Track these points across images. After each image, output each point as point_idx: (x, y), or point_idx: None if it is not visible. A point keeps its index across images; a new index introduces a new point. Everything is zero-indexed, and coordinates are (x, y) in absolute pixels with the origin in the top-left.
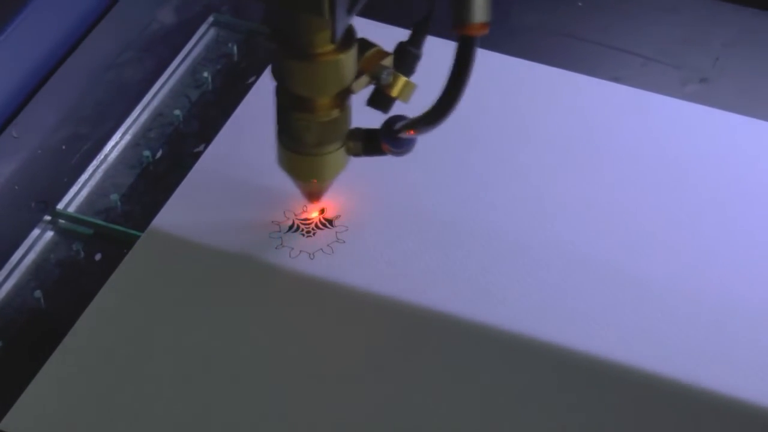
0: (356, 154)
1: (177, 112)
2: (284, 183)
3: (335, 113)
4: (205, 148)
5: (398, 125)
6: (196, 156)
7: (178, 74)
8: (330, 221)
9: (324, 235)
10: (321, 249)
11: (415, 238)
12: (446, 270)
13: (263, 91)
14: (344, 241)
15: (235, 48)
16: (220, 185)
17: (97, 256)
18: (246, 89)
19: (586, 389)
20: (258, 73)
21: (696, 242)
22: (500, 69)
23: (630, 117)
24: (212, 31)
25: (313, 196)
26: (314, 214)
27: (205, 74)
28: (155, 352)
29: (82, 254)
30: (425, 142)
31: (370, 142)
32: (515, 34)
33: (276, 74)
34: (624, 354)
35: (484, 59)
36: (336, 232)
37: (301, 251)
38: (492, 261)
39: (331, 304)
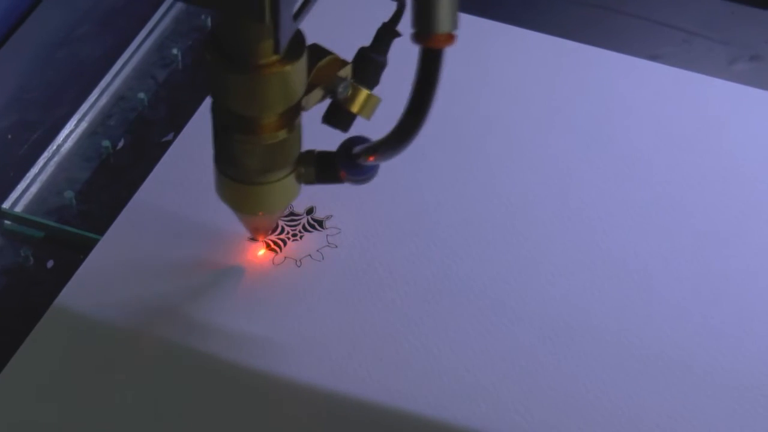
0: (308, 182)
1: (141, 95)
2: None
3: (282, 134)
4: (175, 137)
5: (357, 149)
6: (165, 146)
7: (143, 51)
8: (320, 222)
9: (313, 239)
10: (309, 254)
11: (417, 241)
12: (453, 279)
13: None
14: (336, 246)
15: (208, 21)
16: (193, 180)
17: (49, 264)
18: None
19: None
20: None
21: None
22: (519, 46)
23: (670, 101)
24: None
25: (259, 231)
26: (302, 215)
27: (174, 51)
28: (116, 378)
29: (32, 261)
30: (430, 131)
31: (325, 168)
32: (538, 5)
33: (212, 90)
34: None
35: (501, 34)
36: (326, 235)
37: (286, 257)
38: (507, 270)
39: (320, 317)
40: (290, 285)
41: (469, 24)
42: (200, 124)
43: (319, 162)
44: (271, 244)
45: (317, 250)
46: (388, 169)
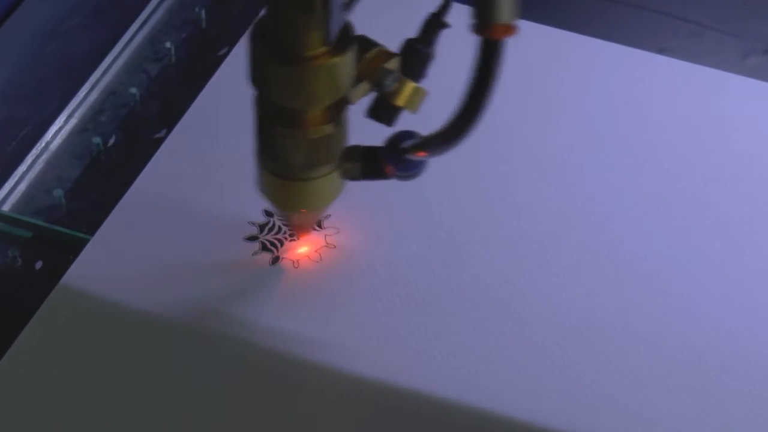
0: (354, 178)
1: (133, 90)
2: None
3: (328, 128)
4: (167, 134)
5: (406, 144)
6: (157, 143)
7: (135, 45)
8: (318, 222)
9: (311, 239)
10: (307, 255)
11: (419, 242)
12: (456, 280)
13: (237, 64)
14: (335, 246)
15: (203, 13)
16: (186, 178)
17: (38, 264)
18: (216, 62)
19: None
20: (231, 43)
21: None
22: (522, 39)
23: (679, 96)
24: None
25: (302, 228)
26: None
27: (167, 44)
28: (106, 382)
29: (20, 262)
30: (432, 127)
31: (371, 164)
32: None
33: (255, 81)
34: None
35: None
36: (325, 235)
37: (282, 258)
38: (512, 271)
39: (318, 320)
40: (287, 287)
41: (471, 16)
42: (194, 120)
43: (365, 157)
44: (267, 244)
45: (315, 251)
46: None
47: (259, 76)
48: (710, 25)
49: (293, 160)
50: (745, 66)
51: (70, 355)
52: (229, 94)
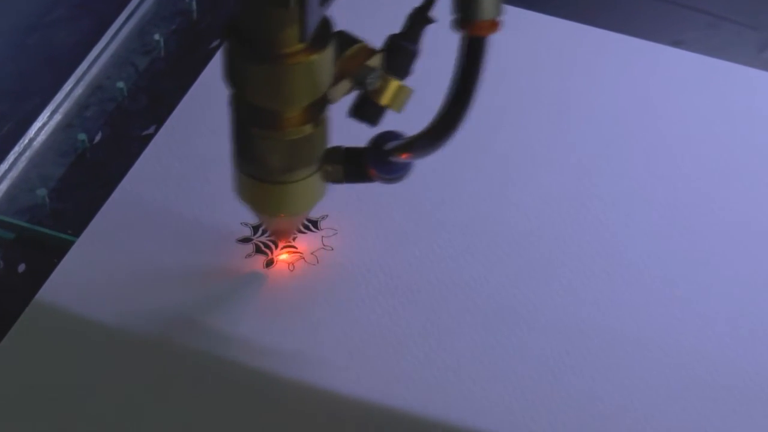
0: (336, 181)
1: (121, 84)
2: None
3: (308, 129)
4: (157, 130)
5: (390, 145)
6: (146, 140)
7: (122, 37)
8: (314, 222)
9: (307, 241)
10: (303, 258)
11: (420, 244)
12: (459, 284)
13: None
14: (332, 248)
15: (194, 3)
16: (176, 177)
17: (21, 267)
18: (208, 56)
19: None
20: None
21: None
22: (530, 31)
23: (694, 91)
24: None
25: (282, 233)
26: None
27: (156, 37)
28: (91, 389)
29: (1, 264)
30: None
31: (354, 166)
32: None
33: (232, 81)
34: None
35: (511, 18)
36: (322, 237)
37: (277, 261)
38: (517, 275)
39: (315, 326)
40: (282, 291)
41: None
42: (184, 116)
43: (347, 159)
44: (262, 246)
45: (312, 253)
46: None
47: (233, 74)
48: (727, 16)
49: (271, 162)
50: (763, 59)
51: (53, 363)
52: (221, 88)
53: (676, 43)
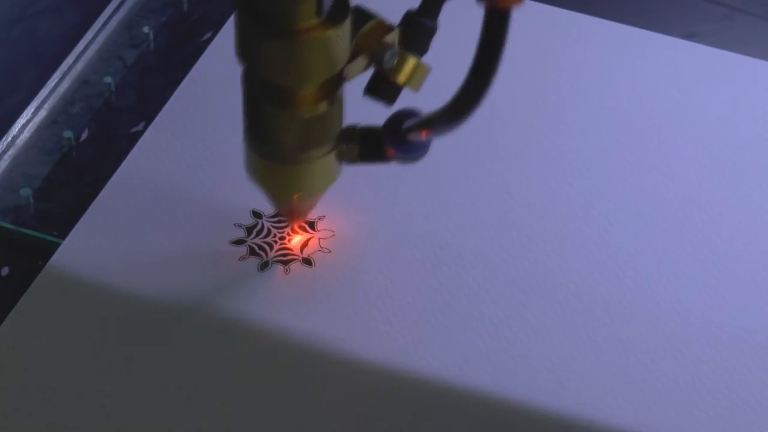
0: (351, 161)
1: (108, 79)
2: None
3: (322, 107)
4: (146, 127)
5: (407, 123)
6: (134, 137)
7: (110, 29)
8: (311, 224)
9: (303, 243)
10: (299, 260)
11: (421, 246)
12: (462, 288)
13: (222, 51)
14: (329, 251)
15: None
16: (166, 176)
17: (4, 271)
18: (200, 49)
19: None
20: (215, 28)
21: None
22: (538, 23)
23: (709, 85)
24: None
25: (295, 215)
26: None
27: (146, 29)
28: (75, 396)
29: None
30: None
31: (370, 145)
32: None
33: (244, 56)
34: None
35: (521, 10)
36: (319, 239)
37: (272, 263)
38: (523, 278)
39: (311, 331)
40: (277, 294)
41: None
42: (175, 112)
43: (363, 138)
44: (255, 248)
45: (308, 256)
46: (389, 165)
47: (246, 50)
48: (742, 8)
49: (285, 141)
50: None
51: (38, 369)
52: (213, 83)
53: (689, 36)
